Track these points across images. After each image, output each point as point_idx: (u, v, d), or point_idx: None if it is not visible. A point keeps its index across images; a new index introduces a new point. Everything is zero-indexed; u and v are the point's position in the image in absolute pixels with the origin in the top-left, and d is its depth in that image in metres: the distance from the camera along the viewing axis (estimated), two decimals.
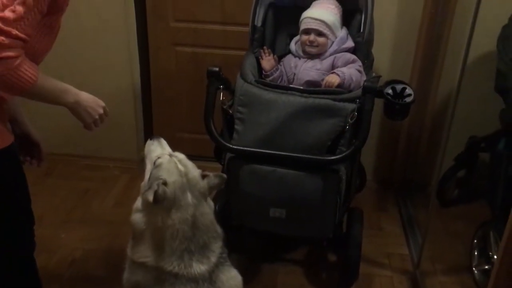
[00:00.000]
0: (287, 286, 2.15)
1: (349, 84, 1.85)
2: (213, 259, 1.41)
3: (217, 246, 1.43)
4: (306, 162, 1.73)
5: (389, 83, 1.75)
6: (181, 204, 1.36)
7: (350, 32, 2.07)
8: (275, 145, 1.73)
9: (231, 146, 1.77)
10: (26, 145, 1.65)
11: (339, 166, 1.76)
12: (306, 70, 1.97)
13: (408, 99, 1.72)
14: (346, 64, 1.93)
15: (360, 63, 1.95)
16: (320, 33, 1.94)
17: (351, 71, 1.87)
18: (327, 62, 1.96)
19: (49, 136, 2.95)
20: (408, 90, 1.71)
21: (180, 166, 1.38)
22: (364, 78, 1.89)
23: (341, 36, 1.98)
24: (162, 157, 1.43)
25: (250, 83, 1.83)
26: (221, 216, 2.10)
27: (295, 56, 2.04)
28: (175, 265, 1.36)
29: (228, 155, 1.82)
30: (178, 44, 2.78)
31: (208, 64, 1.92)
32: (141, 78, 2.83)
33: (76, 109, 1.43)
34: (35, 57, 1.37)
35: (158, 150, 1.49)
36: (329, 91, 1.81)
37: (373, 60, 2.11)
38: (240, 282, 1.46)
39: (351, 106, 1.74)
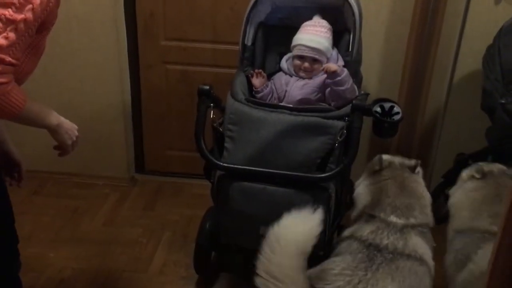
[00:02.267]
0: None
1: (344, 82, 1.87)
2: (412, 220, 1.63)
3: (420, 215, 1.66)
4: (296, 180, 1.74)
5: (377, 101, 1.77)
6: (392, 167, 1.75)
7: (338, 51, 2.10)
8: (264, 163, 1.74)
9: (221, 164, 1.77)
10: (6, 164, 1.63)
11: (328, 183, 1.77)
12: (298, 87, 1.99)
13: (396, 117, 1.74)
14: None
15: (351, 80, 1.98)
16: (314, 60, 1.97)
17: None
18: (318, 79, 1.99)
19: (38, 154, 2.95)
20: (396, 108, 1.74)
21: None
22: (355, 94, 1.92)
23: (333, 56, 2.01)
24: None
25: (240, 101, 1.84)
26: (211, 234, 2.11)
27: (286, 74, 2.06)
28: (377, 211, 1.65)
29: (218, 173, 1.82)
30: (168, 62, 2.80)
31: (198, 82, 1.93)
32: (131, 96, 2.84)
33: (58, 131, 1.46)
34: (20, 78, 1.37)
35: None
36: (318, 109, 1.84)
37: (361, 78, 2.14)
38: (426, 250, 1.61)
39: (340, 123, 1.76)
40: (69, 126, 1.50)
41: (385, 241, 1.55)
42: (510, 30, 2.09)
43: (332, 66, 1.89)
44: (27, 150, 2.94)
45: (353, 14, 2.00)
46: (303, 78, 2.00)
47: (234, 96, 1.88)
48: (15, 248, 1.60)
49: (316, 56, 1.96)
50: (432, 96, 2.61)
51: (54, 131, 1.46)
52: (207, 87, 1.84)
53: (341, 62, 2.01)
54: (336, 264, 1.50)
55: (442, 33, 2.47)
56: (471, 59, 2.46)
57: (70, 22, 2.60)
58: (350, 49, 2.04)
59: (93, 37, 2.66)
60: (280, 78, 2.06)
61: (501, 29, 2.14)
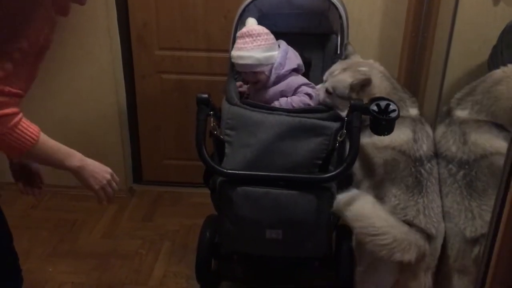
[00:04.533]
0: None
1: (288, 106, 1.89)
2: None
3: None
4: (298, 182, 1.74)
5: (373, 100, 1.77)
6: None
7: (326, 54, 2.10)
8: (264, 166, 1.74)
9: (225, 170, 1.76)
10: (26, 175, 1.60)
11: (330, 183, 1.77)
12: (260, 95, 1.99)
13: (393, 115, 1.74)
14: (293, 91, 1.93)
15: (310, 84, 1.95)
16: (255, 72, 1.92)
17: (296, 100, 1.90)
18: (274, 91, 1.95)
19: None
20: (392, 106, 1.74)
21: None
22: (315, 101, 1.92)
23: (278, 62, 1.92)
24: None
25: (236, 104, 1.84)
26: (212, 243, 2.09)
27: None
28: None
29: (220, 179, 1.81)
30: (163, 72, 2.79)
31: (193, 91, 1.93)
32: (127, 106, 2.83)
33: (81, 173, 1.39)
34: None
35: None
36: (314, 110, 1.84)
37: None
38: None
39: (335, 125, 1.77)
40: (97, 169, 1.41)
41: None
42: None
43: None
44: None
45: (340, 17, 2.01)
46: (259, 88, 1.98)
47: (229, 101, 1.87)
48: (17, 265, 1.58)
49: (254, 69, 1.91)
50: (427, 96, 2.61)
51: (77, 173, 1.38)
52: (206, 96, 1.83)
53: (291, 64, 1.94)
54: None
55: (436, 35, 2.48)
56: (463, 59, 2.47)
57: (63, 35, 2.59)
58: (338, 52, 2.04)
59: (87, 49, 2.65)
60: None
61: (504, 28, 2.16)
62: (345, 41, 2.03)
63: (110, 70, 2.70)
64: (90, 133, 2.82)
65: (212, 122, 1.84)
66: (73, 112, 2.80)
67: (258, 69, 1.91)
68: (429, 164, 1.78)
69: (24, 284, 2.23)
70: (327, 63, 2.12)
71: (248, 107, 1.82)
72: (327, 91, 1.88)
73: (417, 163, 1.77)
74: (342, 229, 2.10)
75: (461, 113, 1.84)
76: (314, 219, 1.75)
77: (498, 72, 1.86)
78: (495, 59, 2.10)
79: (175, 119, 2.86)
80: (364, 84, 1.82)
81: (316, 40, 2.18)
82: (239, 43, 1.91)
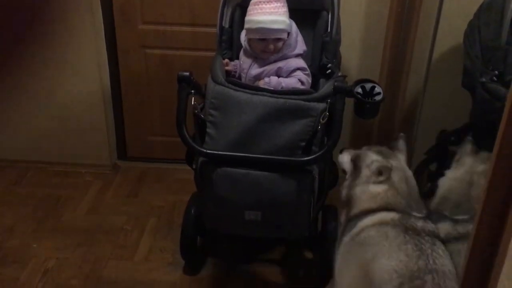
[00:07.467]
0: (266, 286, 2.16)
1: (278, 86, 1.88)
2: (425, 211, 1.74)
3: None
4: (280, 164, 1.73)
5: (358, 82, 1.76)
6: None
7: (316, 32, 2.08)
8: (247, 148, 1.72)
9: (205, 150, 1.76)
10: None
11: (312, 166, 1.76)
12: (253, 73, 1.98)
13: (377, 98, 1.73)
14: (288, 72, 1.93)
15: (306, 71, 1.95)
16: (278, 39, 1.91)
17: (287, 81, 1.90)
18: (271, 68, 1.95)
19: (18, 143, 2.91)
20: (377, 89, 1.73)
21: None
22: (308, 86, 1.92)
23: (289, 43, 1.93)
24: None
25: (221, 83, 1.81)
26: (197, 220, 2.10)
27: (246, 53, 2.02)
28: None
29: (201, 159, 1.81)
30: (147, 47, 2.75)
31: (178, 66, 1.91)
32: (110, 82, 2.79)
33: None
34: None
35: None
36: (298, 91, 1.82)
37: (340, 59, 2.13)
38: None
39: (321, 105, 1.74)
40: None
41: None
42: (489, 7, 2.09)
43: (260, 83, 1.91)
44: (5, 140, 2.91)
45: None
46: (264, 59, 1.96)
47: (214, 79, 1.85)
48: None
49: (280, 36, 1.91)
50: (412, 74, 2.61)
51: None
52: (187, 74, 1.81)
53: (299, 50, 1.96)
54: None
55: (422, 10, 2.46)
56: (450, 36, 2.47)
57: (44, 8, 2.53)
58: (329, 30, 2.02)
59: (69, 23, 2.60)
60: (242, 56, 2.03)
61: (481, 5, 2.14)
62: (336, 18, 2.00)
63: (92, 45, 2.65)
64: (73, 109, 2.79)
65: (193, 101, 1.82)
66: (55, 88, 2.76)
67: (283, 36, 1.90)
68: None
69: (8, 260, 2.24)
70: (317, 41, 2.10)
71: (233, 86, 1.80)
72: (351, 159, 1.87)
73: None
74: (328, 209, 2.14)
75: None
76: (294, 202, 1.76)
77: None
78: (472, 37, 2.09)
79: (160, 95, 2.84)
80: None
81: (306, 16, 2.15)
82: (266, 9, 1.88)
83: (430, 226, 1.65)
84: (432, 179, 2.69)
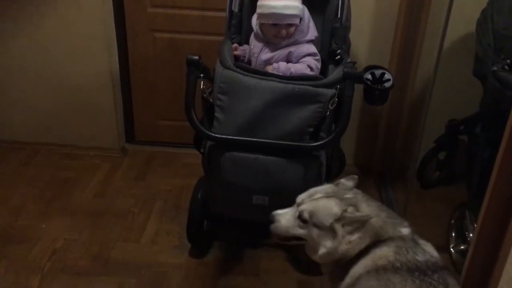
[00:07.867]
0: (270, 271, 2.18)
1: (287, 71, 1.88)
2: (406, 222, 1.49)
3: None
4: (287, 149, 1.73)
5: (368, 68, 1.75)
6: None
7: (326, 18, 2.06)
8: (255, 132, 1.73)
9: (214, 135, 1.76)
10: None
11: (320, 151, 1.77)
12: (264, 58, 1.98)
13: (387, 84, 1.72)
14: (298, 58, 1.92)
15: (317, 56, 1.94)
16: (290, 24, 1.90)
17: (296, 67, 1.89)
18: (282, 52, 1.94)
19: (28, 125, 2.93)
20: (387, 75, 1.72)
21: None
22: (317, 71, 1.90)
23: (301, 28, 1.92)
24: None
25: (230, 68, 1.81)
26: (203, 203, 2.12)
27: (257, 37, 2.01)
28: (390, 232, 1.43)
29: (209, 143, 1.81)
30: (156, 30, 2.74)
31: (186, 50, 1.91)
32: (119, 65, 2.79)
33: None
34: None
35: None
36: (307, 77, 1.82)
37: (350, 45, 2.11)
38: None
39: (330, 91, 1.74)
40: None
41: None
42: None
43: (268, 69, 1.90)
44: (15, 121, 2.93)
45: None
46: (275, 43, 1.96)
47: (223, 63, 1.85)
48: None
49: (292, 21, 1.89)
50: (423, 62, 2.59)
51: None
52: (196, 57, 1.80)
53: (311, 36, 1.96)
54: None
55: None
56: (462, 23, 2.44)
57: None
58: (339, 16, 2.00)
59: (78, 6, 2.60)
60: (253, 41, 2.03)
61: None
62: (346, 4, 1.98)
63: (101, 28, 2.65)
64: (83, 92, 2.80)
65: (202, 85, 1.82)
66: (65, 71, 2.77)
67: (295, 21, 1.89)
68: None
69: (17, 240, 2.27)
70: (326, 27, 2.08)
71: (241, 71, 1.79)
72: (300, 216, 1.47)
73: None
74: None
75: None
76: (301, 187, 1.72)
77: None
78: (485, 25, 2.06)
79: (169, 79, 2.84)
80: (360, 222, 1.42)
81: (316, 2, 2.13)
82: None
83: (428, 255, 1.39)
84: (441, 168, 2.69)
